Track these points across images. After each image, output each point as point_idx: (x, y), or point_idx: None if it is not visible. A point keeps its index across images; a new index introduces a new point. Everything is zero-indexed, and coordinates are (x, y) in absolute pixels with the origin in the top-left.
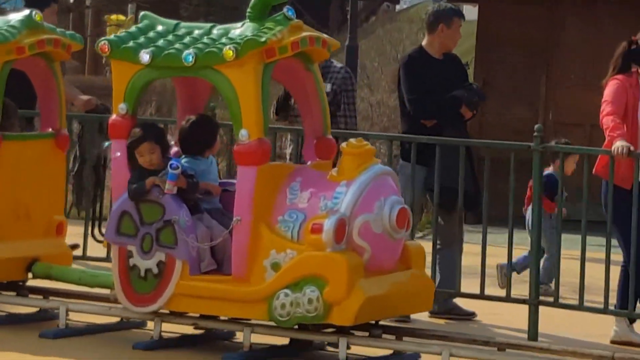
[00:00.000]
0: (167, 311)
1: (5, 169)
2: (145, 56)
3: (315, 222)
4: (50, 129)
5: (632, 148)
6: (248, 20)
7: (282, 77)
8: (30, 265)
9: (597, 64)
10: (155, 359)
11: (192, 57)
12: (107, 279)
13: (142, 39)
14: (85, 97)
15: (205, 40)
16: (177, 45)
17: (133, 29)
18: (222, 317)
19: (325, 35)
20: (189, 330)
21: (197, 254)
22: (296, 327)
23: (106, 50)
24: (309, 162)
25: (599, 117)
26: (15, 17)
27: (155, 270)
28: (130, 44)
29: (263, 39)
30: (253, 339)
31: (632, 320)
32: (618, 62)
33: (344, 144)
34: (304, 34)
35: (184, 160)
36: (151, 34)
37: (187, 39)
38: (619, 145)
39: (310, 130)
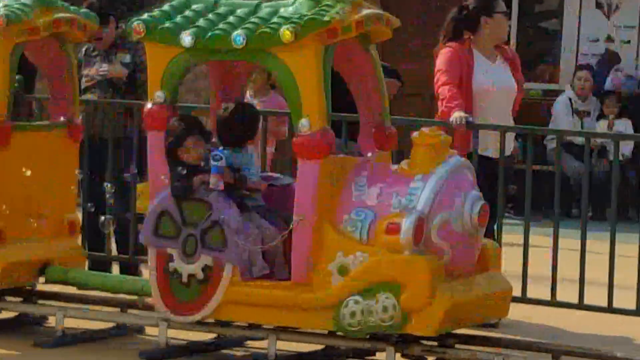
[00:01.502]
0: (212, 320)
1: (16, 162)
2: (187, 38)
3: (392, 222)
4: (62, 118)
5: (470, 118)
6: None
7: (337, 59)
8: (43, 268)
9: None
10: None
11: (243, 38)
12: (135, 284)
13: (179, 19)
14: None
15: (253, 19)
16: (222, 26)
17: (166, 7)
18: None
19: (387, 14)
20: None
21: (249, 258)
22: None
23: (141, 31)
24: (369, 154)
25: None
26: None
27: (201, 276)
28: (167, 24)
29: (326, 18)
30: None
31: None
32: (449, 29)
33: (415, 134)
34: (367, 11)
35: (225, 152)
36: (188, 12)
37: (231, 18)
38: (457, 116)
39: (368, 118)
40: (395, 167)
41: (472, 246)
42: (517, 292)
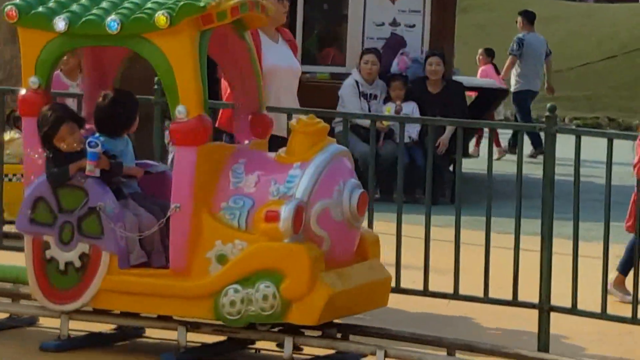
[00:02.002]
0: (90, 309)
1: None
2: (60, 23)
3: (270, 209)
4: None
5: None
6: None
7: (212, 46)
8: None
9: None
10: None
11: (117, 24)
12: (11, 272)
13: (52, 3)
14: None
15: (127, 4)
16: (95, 11)
17: None
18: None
19: (263, 1)
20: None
21: (126, 245)
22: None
23: (14, 16)
24: (245, 142)
25: None
26: None
27: (78, 264)
28: (41, 9)
29: (202, 4)
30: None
31: None
32: None
33: (293, 121)
34: None
35: (101, 139)
36: None
37: (105, 4)
38: None
39: (243, 106)
40: (273, 154)
41: (351, 235)
42: None
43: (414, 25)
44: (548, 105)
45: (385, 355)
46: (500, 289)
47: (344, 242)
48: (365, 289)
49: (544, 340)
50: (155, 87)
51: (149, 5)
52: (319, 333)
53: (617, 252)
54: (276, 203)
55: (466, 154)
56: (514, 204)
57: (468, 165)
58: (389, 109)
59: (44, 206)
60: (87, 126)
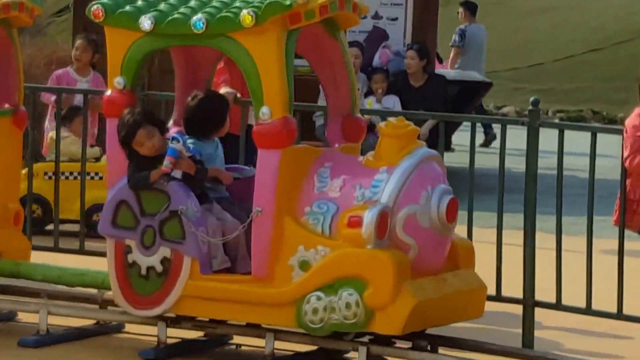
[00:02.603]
0: (173, 315)
1: None
2: (146, 22)
3: (353, 215)
4: (7, 105)
5: (238, 95)
6: None
7: (303, 46)
8: None
9: None
10: None
11: (203, 23)
12: (94, 278)
13: (140, 2)
14: None
15: (215, 3)
16: (182, 10)
17: None
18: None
19: None
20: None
21: (208, 250)
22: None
23: (100, 15)
24: (335, 145)
25: None
26: None
27: (159, 268)
28: (127, 8)
29: (287, 2)
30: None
31: None
32: None
33: (382, 124)
34: None
35: (188, 142)
36: None
37: (193, 2)
38: (223, 92)
39: (336, 108)
40: (361, 158)
41: (441, 242)
42: None
43: (396, 18)
44: (531, 99)
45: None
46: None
47: (432, 249)
48: (456, 299)
49: (528, 335)
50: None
51: (237, 4)
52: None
53: (601, 246)
54: (360, 208)
55: (448, 148)
56: (497, 198)
57: (450, 159)
58: (370, 103)
59: (127, 210)
60: (177, 128)
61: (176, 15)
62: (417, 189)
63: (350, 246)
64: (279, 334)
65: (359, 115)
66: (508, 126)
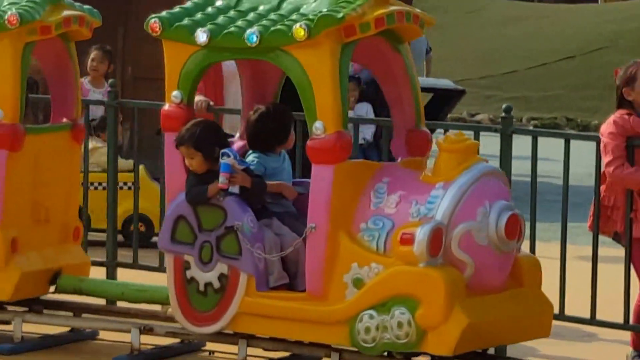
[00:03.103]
0: (231, 332)
1: (27, 165)
2: (202, 36)
3: (406, 232)
4: (64, 119)
5: (211, 103)
6: None
7: (365, 58)
8: (54, 278)
9: None
10: None
11: (257, 36)
12: (157, 294)
13: (199, 16)
14: None
15: (272, 16)
16: (239, 23)
17: (189, 3)
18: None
19: (417, 10)
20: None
21: (265, 266)
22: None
23: (157, 29)
24: (399, 159)
25: None
26: None
27: (217, 285)
28: (185, 21)
29: (340, 15)
30: None
31: None
32: None
33: (440, 138)
34: (391, 8)
35: (252, 156)
36: (209, 9)
37: (251, 16)
38: (196, 100)
39: (400, 121)
40: (420, 173)
41: (500, 260)
42: None
43: None
44: (504, 106)
45: None
46: None
47: (491, 267)
48: (518, 318)
49: None
50: (109, 89)
51: (293, 17)
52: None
53: (575, 252)
54: (413, 225)
55: None
56: None
57: None
58: None
59: (185, 225)
60: (243, 142)
61: (232, 29)
62: (473, 205)
63: (403, 264)
64: (251, 341)
65: (424, 128)
66: (481, 133)
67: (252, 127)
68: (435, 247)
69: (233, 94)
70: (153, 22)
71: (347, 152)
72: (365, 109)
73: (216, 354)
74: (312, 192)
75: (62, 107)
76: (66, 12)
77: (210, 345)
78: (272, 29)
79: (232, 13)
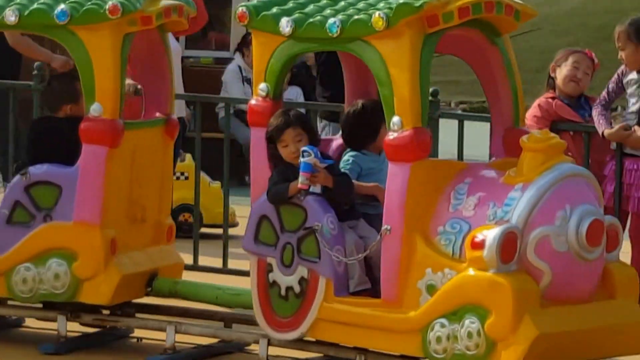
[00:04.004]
0: (312, 339)
1: (124, 163)
2: (286, 25)
3: (477, 235)
4: (158, 114)
5: (139, 86)
6: None
7: (462, 51)
8: (150, 280)
9: None
10: None
11: (338, 26)
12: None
13: (290, 4)
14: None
15: (360, 5)
16: (326, 12)
17: None
18: None
19: (514, 0)
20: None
21: (345, 270)
22: None
23: (245, 18)
24: (492, 159)
25: None
26: None
27: (297, 289)
28: (274, 10)
29: (419, 3)
30: None
31: None
32: None
33: (524, 137)
34: None
35: (348, 155)
36: None
37: (341, 3)
38: (127, 83)
39: (498, 119)
40: (503, 174)
41: (584, 269)
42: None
43: None
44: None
45: None
46: None
47: (571, 276)
48: (606, 331)
49: None
50: (35, 72)
51: (379, 5)
52: None
53: None
54: (485, 228)
55: None
56: None
57: None
58: None
59: (268, 225)
60: (338, 142)
61: (317, 18)
62: (552, 208)
63: (475, 270)
64: (179, 326)
65: (524, 128)
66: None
67: (347, 124)
68: (507, 252)
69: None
70: (241, 11)
71: (425, 150)
72: (295, 93)
73: (144, 341)
74: (388, 192)
75: (156, 101)
76: (165, 2)
77: (138, 332)
78: (354, 18)
79: (323, 1)
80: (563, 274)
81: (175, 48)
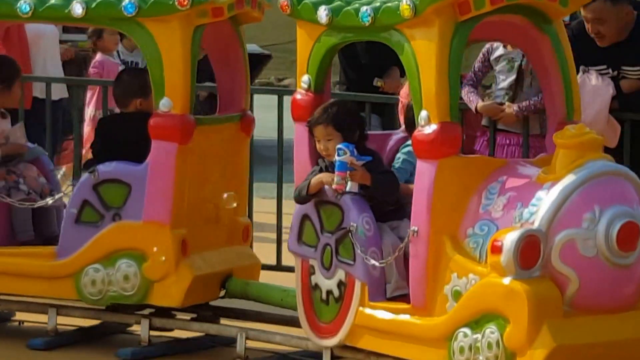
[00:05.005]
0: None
1: (196, 160)
2: (323, 14)
3: (497, 239)
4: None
5: None
6: None
7: (511, 38)
8: (224, 281)
9: None
10: None
11: (369, 15)
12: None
13: None
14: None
15: None
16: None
17: None
18: None
19: None
20: None
21: (382, 274)
22: None
23: (286, 7)
24: (539, 155)
25: None
26: None
27: (336, 293)
28: None
29: None
30: None
31: None
32: None
33: (558, 132)
34: None
35: (400, 153)
36: None
37: None
38: None
39: (550, 112)
40: (537, 171)
41: (615, 275)
42: None
43: None
44: None
45: None
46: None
47: (600, 283)
48: (635, 344)
49: None
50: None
51: None
52: None
53: None
54: (509, 231)
55: None
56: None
57: None
58: None
59: (310, 225)
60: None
61: (354, 6)
62: (579, 209)
63: (494, 276)
64: (60, 309)
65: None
66: (285, 97)
67: (405, 117)
68: (526, 257)
69: (42, 60)
70: (283, 0)
71: (454, 147)
72: None
73: (26, 324)
74: (416, 191)
75: (230, 97)
76: None
77: (19, 315)
78: (385, 6)
79: None
80: (592, 281)
81: (52, 31)
